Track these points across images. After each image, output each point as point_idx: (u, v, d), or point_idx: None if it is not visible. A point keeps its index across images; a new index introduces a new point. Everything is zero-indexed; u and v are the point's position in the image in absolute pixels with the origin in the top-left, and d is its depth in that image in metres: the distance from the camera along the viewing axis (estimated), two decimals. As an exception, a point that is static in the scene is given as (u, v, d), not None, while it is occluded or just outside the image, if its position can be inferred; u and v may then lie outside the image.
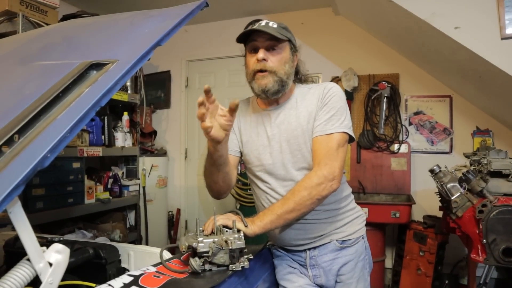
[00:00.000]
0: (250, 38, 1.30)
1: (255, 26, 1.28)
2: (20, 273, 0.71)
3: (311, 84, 1.43)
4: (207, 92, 1.04)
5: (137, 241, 3.32)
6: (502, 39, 2.13)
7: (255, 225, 1.18)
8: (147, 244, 3.44)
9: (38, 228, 2.43)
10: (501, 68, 2.19)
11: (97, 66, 0.91)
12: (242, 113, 1.45)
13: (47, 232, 2.34)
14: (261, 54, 1.27)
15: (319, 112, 1.30)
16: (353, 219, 1.40)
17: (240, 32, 1.31)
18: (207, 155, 1.23)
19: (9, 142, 0.72)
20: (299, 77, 1.42)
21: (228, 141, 1.20)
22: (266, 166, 1.36)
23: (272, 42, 1.28)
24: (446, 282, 2.95)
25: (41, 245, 0.80)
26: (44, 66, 1.00)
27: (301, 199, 1.19)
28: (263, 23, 1.30)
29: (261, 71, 1.28)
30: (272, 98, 1.34)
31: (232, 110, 1.08)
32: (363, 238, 1.42)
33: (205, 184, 1.36)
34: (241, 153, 1.44)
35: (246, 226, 1.17)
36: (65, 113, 0.79)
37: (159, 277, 0.99)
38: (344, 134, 1.28)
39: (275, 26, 1.29)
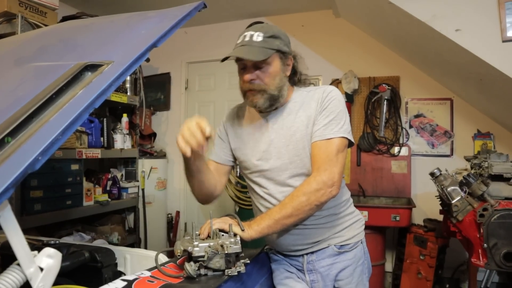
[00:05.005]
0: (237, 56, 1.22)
1: (237, 50, 1.21)
2: (9, 279, 0.70)
3: (310, 87, 1.38)
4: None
5: (136, 243, 3.31)
6: (503, 41, 2.12)
7: (252, 230, 1.16)
8: (146, 246, 3.42)
9: (36, 230, 2.42)
10: (502, 71, 2.17)
11: (92, 67, 0.90)
12: (238, 119, 1.42)
13: (45, 234, 2.34)
14: (248, 75, 1.23)
15: (318, 117, 1.27)
16: (352, 224, 1.38)
17: (241, 33, 1.27)
18: (183, 161, 1.24)
19: (0, 144, 0.71)
20: (298, 78, 1.36)
21: (199, 158, 1.22)
22: (264, 172, 1.34)
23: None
24: (447, 286, 2.94)
25: (37, 248, 0.79)
26: (38, 67, 0.99)
27: (299, 205, 1.17)
28: (247, 37, 1.22)
29: (250, 90, 1.26)
30: (266, 111, 1.33)
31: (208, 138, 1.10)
32: (362, 242, 1.40)
33: None
34: (234, 161, 1.44)
35: (242, 230, 1.15)
36: (57, 115, 0.78)
37: (153, 282, 0.98)
38: (343, 139, 1.25)
39: (259, 39, 1.21)
